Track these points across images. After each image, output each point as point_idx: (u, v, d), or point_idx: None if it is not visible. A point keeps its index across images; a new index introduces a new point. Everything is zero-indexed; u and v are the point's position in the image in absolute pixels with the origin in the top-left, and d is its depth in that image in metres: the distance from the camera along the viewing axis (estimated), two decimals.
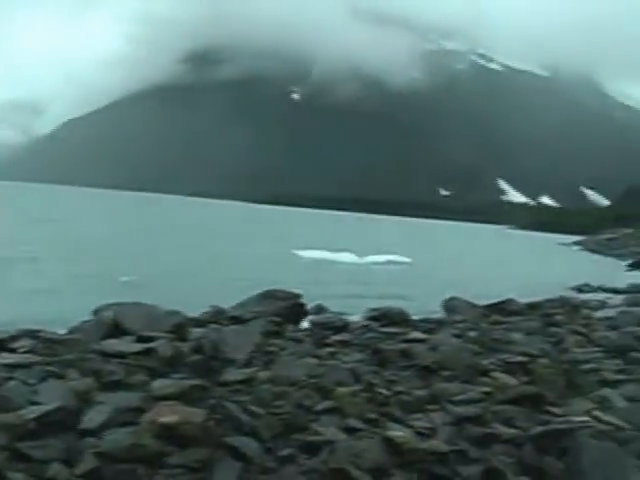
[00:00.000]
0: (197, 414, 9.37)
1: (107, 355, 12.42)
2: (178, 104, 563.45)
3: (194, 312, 18.30)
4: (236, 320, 18.21)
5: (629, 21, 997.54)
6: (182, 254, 46.53)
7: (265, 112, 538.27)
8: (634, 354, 17.54)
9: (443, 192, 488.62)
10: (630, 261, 78.72)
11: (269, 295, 20.97)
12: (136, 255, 42.46)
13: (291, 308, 20.58)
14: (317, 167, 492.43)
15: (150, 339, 13.37)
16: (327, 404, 11.04)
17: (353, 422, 10.56)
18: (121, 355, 12.39)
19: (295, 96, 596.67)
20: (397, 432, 10.13)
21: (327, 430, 10.19)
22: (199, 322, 17.50)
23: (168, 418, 9.07)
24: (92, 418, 9.44)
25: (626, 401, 13.98)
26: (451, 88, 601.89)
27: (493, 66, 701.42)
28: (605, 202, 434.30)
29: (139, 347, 12.77)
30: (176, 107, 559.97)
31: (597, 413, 12.62)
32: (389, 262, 49.85)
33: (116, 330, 14.52)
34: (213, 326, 16.32)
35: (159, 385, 10.68)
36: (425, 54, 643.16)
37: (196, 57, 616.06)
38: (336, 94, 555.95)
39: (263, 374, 12.27)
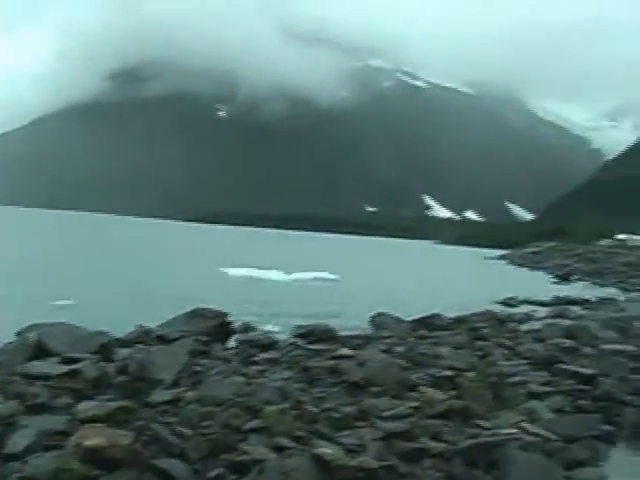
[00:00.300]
0: (124, 436, 9.25)
1: (31, 377, 12.25)
2: (106, 121, 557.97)
3: (120, 332, 18.11)
4: (163, 340, 18.07)
5: (551, 40, 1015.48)
6: (108, 273, 46.00)
7: (192, 130, 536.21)
8: (560, 366, 17.78)
9: (369, 208, 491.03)
10: (554, 274, 79.86)
11: (196, 314, 20.80)
12: (63, 275, 41.84)
13: (218, 327, 20.45)
14: (244, 185, 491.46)
15: (75, 360, 13.21)
16: (255, 423, 10.99)
17: (282, 440, 10.52)
18: (45, 377, 12.22)
19: (222, 114, 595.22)
20: (326, 449, 10.11)
21: (256, 449, 10.13)
22: (125, 342, 17.35)
23: (94, 441, 8.93)
24: (16, 442, 9.29)
25: (552, 412, 14.19)
26: (378, 106, 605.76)
27: (419, 83, 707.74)
28: (529, 216, 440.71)
29: (64, 369, 12.60)
30: (104, 124, 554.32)
31: (525, 425, 12.77)
32: (316, 279, 49.80)
33: (40, 351, 14.27)
34: (139, 346, 16.21)
35: (84, 407, 10.55)
36: (352, 72, 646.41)
37: (124, 74, 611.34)
38: (263, 112, 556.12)
39: (190, 394, 12.18)
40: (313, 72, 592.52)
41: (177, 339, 17.71)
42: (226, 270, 50.80)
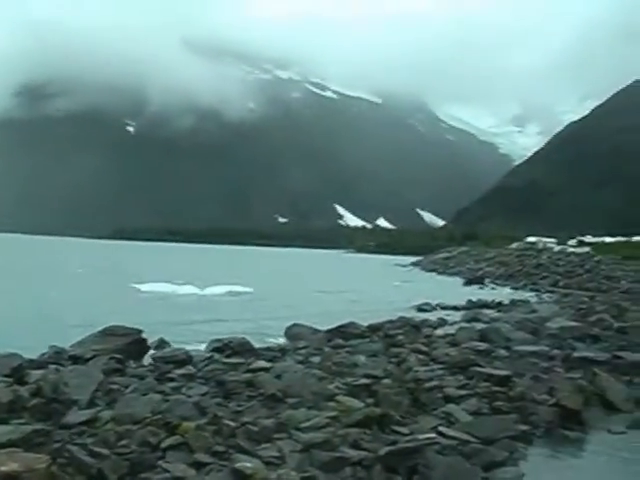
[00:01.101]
0: (40, 460, 9.08)
1: None
2: (13, 138, 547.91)
3: (32, 354, 17.81)
4: (76, 359, 17.83)
5: (455, 47, 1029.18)
6: (15, 293, 45.10)
7: (101, 146, 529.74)
8: (475, 369, 17.97)
9: (281, 219, 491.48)
10: (467, 278, 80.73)
11: (109, 332, 20.58)
12: None
13: (132, 344, 20.25)
14: (155, 200, 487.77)
15: None
16: (173, 440, 10.89)
17: (201, 456, 10.45)
18: None
19: (130, 129, 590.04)
20: (246, 463, 10.06)
21: (175, 466, 10.04)
22: (38, 364, 17.05)
23: (9, 467, 8.75)
24: None
25: (470, 415, 14.32)
26: (287, 117, 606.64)
27: (327, 94, 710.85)
28: (440, 222, 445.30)
29: None
30: (11, 141, 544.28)
31: (442, 429, 12.89)
32: (230, 293, 49.66)
33: None
34: (53, 367, 15.95)
35: None
36: (260, 84, 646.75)
37: (30, 91, 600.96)
38: (172, 127, 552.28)
39: (106, 414, 12.04)
40: (221, 85, 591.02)
41: (91, 358, 17.51)
42: (139, 286, 50.34)
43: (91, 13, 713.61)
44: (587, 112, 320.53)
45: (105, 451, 10.13)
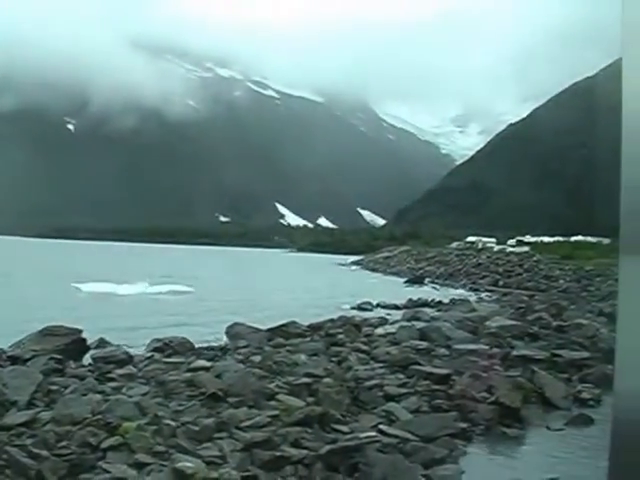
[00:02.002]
0: None
1: None
2: None
3: None
4: (15, 360, 17.65)
5: (396, 47, 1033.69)
6: None
7: (40, 144, 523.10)
8: (415, 367, 18.09)
9: (223, 218, 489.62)
10: (408, 277, 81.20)
11: (48, 332, 20.39)
12: None
13: (72, 344, 20.10)
14: (94, 198, 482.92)
15: None
16: (113, 440, 10.83)
17: (141, 457, 10.40)
18: None
19: (71, 127, 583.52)
20: (187, 463, 10.03)
21: (115, 467, 9.98)
22: None
23: None
24: None
25: (410, 413, 14.41)
26: (229, 115, 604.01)
27: (269, 93, 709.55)
28: (381, 222, 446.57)
29: None
30: None
31: (383, 427, 12.96)
32: (172, 292, 49.46)
33: None
34: None
35: None
36: (202, 83, 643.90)
37: None
38: (113, 125, 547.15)
39: (46, 414, 11.94)
40: (162, 84, 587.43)
41: (30, 359, 17.35)
42: (79, 286, 49.87)
43: (31, 9, 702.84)
44: (527, 113, 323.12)
45: (45, 452, 10.05)
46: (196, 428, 11.71)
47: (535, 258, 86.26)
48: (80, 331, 20.79)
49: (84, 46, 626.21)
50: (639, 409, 1.60)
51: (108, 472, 9.83)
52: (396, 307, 43.13)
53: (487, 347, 21.81)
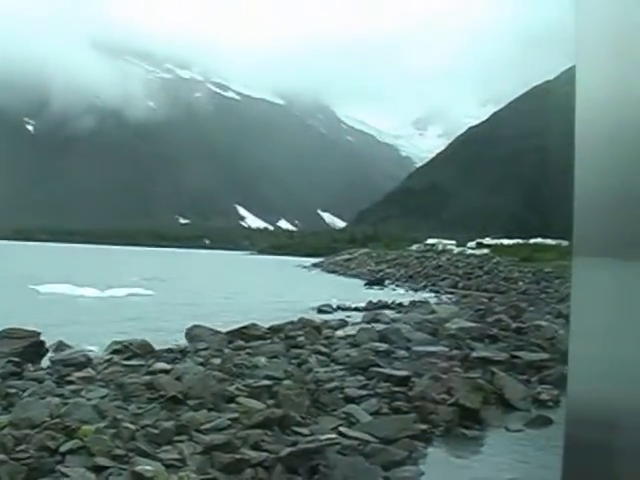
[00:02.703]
0: None
1: None
2: None
3: None
4: None
5: (354, 49, 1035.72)
6: None
7: (0, 145, 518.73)
8: (375, 369, 18.13)
9: (182, 220, 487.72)
10: (368, 280, 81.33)
11: (6, 334, 20.23)
12: None
13: (30, 347, 19.94)
14: (53, 200, 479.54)
15: None
16: (72, 444, 10.77)
17: (100, 460, 10.36)
18: None
19: (30, 128, 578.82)
20: (146, 466, 10.00)
21: (74, 471, 9.93)
22: None
23: None
24: None
25: (370, 415, 14.46)
26: (189, 117, 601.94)
27: (229, 94, 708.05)
28: (341, 224, 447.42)
29: None
30: None
31: (343, 429, 13.00)
32: (131, 295, 49.21)
33: None
34: None
35: None
36: (161, 84, 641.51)
37: None
38: (73, 126, 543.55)
39: (3, 418, 11.85)
40: (122, 85, 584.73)
41: None
42: (37, 287, 49.50)
43: None
44: (487, 116, 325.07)
45: (2, 456, 9.98)
46: (156, 431, 11.67)
47: (495, 260, 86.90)
48: (38, 333, 20.63)
49: (42, 47, 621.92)
50: (592, 410, 1.62)
51: (67, 476, 9.78)
52: (356, 309, 43.22)
53: (447, 349, 21.92)
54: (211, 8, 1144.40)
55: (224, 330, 25.54)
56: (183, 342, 24.30)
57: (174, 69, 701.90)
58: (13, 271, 74.40)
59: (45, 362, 19.51)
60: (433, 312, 34.98)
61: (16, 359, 17.83)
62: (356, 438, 12.66)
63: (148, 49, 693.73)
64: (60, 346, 21.90)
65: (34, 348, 20.09)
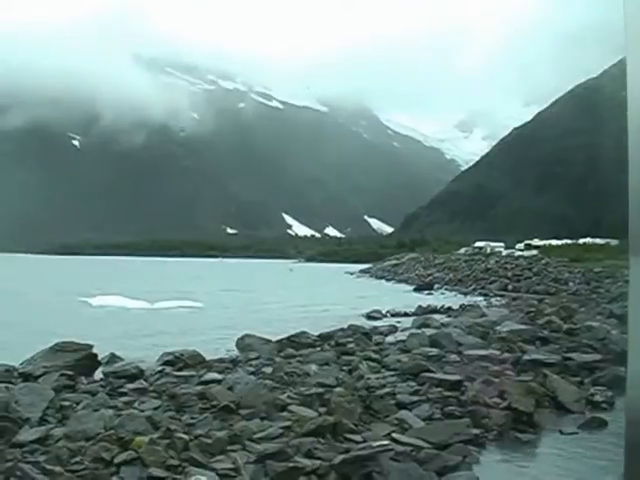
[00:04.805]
0: None
1: None
2: None
3: None
4: (27, 377, 17.64)
5: (397, 54, 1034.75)
6: None
7: (45, 161, 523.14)
8: (426, 374, 18.04)
9: (230, 230, 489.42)
10: (417, 284, 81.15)
11: (59, 348, 20.35)
12: None
13: (83, 360, 20.05)
14: (103, 215, 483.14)
15: None
16: (126, 455, 10.81)
17: (155, 471, 10.38)
18: None
19: (77, 144, 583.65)
20: (200, 476, 10.03)
21: None
22: None
23: None
24: None
25: (422, 421, 14.37)
26: (234, 127, 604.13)
27: (273, 104, 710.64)
28: (388, 229, 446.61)
29: None
30: None
31: (396, 435, 12.92)
32: (181, 307, 49.36)
33: None
34: (3, 385, 15.75)
35: None
36: (206, 96, 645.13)
37: None
38: (120, 140, 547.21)
39: (58, 431, 11.93)
40: (167, 98, 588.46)
41: (41, 375, 17.34)
42: (88, 300, 49.90)
43: (37, 26, 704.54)
44: (531, 117, 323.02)
45: (58, 468, 10.04)
46: (209, 441, 11.68)
47: (544, 261, 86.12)
48: (91, 347, 20.76)
49: (88, 63, 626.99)
50: None
51: None
52: (406, 314, 43.09)
53: (498, 352, 21.75)
54: (251, 19, 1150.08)
55: (274, 339, 25.60)
56: (234, 352, 24.38)
57: (217, 80, 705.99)
58: (64, 285, 75.06)
59: (98, 374, 19.63)
60: (483, 315, 34.84)
61: (69, 372, 17.96)
62: (409, 444, 12.59)
63: (191, 62, 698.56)
64: (112, 358, 22.03)
65: (87, 361, 20.21)
